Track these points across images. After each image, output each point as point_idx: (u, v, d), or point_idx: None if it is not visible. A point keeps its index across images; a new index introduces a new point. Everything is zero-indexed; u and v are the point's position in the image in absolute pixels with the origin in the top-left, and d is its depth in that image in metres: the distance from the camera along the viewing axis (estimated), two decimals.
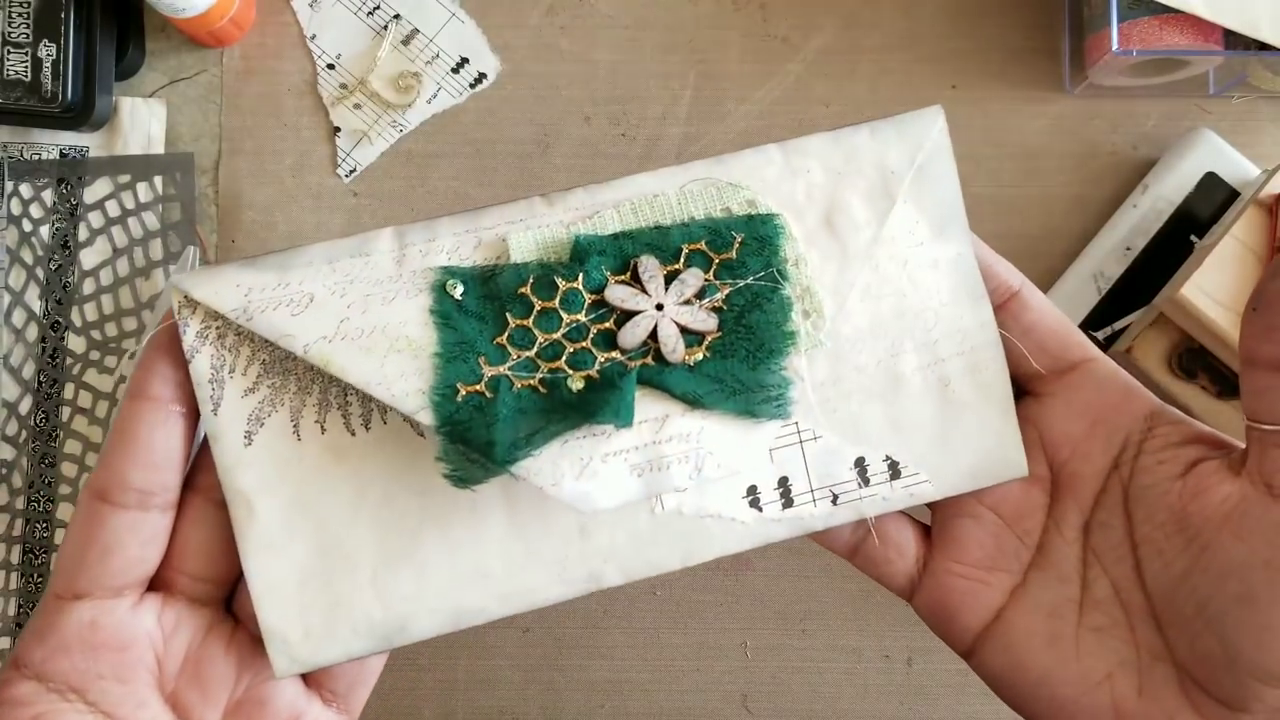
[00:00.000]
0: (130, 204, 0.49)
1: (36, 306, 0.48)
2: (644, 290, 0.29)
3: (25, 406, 0.48)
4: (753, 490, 0.30)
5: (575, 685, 0.47)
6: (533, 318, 0.28)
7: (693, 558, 0.30)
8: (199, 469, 0.29)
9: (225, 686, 0.29)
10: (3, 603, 0.47)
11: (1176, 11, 0.43)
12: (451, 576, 0.29)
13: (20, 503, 0.48)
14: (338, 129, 0.49)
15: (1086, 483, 0.29)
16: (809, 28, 0.49)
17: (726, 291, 0.29)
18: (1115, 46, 0.43)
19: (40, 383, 0.48)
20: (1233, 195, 0.46)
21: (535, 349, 0.28)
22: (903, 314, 0.30)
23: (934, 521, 0.31)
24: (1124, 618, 0.28)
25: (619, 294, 0.28)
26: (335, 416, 0.29)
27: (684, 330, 0.29)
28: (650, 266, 0.29)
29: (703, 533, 0.30)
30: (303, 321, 0.28)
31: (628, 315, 0.29)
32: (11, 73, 0.46)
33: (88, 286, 0.49)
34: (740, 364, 0.29)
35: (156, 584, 0.28)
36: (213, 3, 0.46)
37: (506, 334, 0.28)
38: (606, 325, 0.29)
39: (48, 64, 0.46)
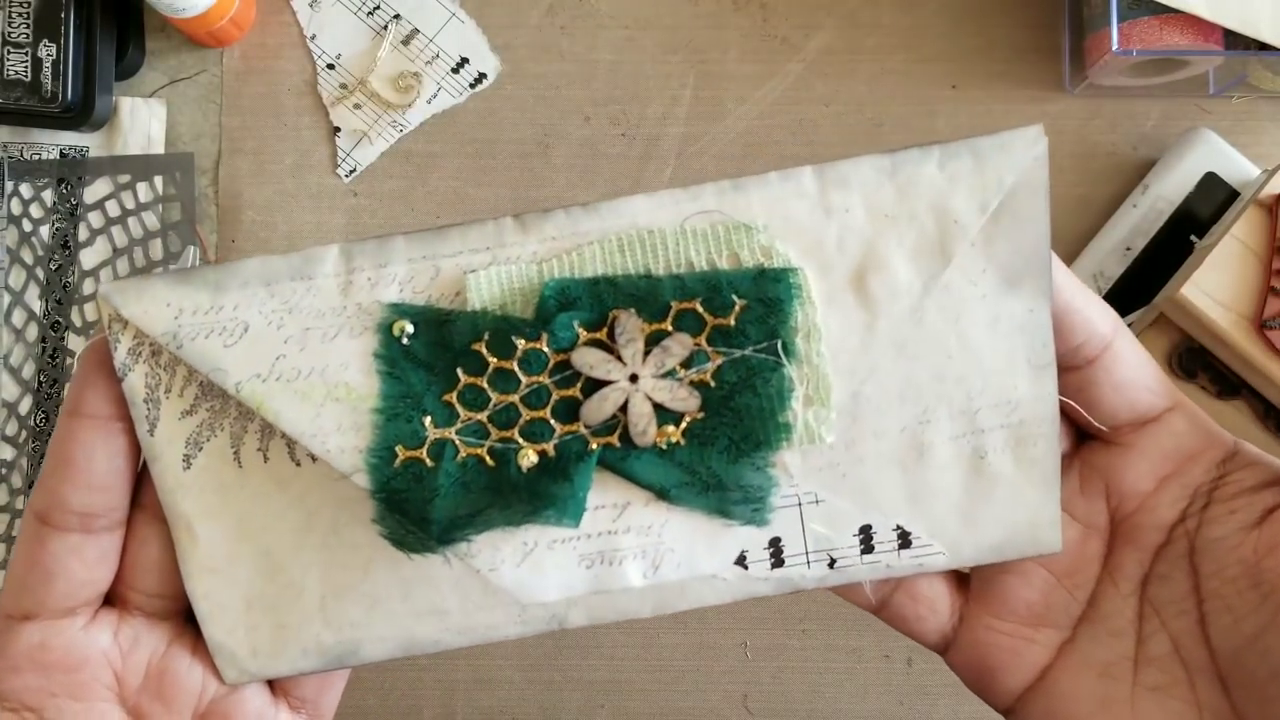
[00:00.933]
0: (130, 204, 0.49)
1: (36, 306, 0.48)
2: (619, 356, 0.25)
3: (25, 406, 0.48)
4: (741, 552, 0.27)
5: (575, 685, 0.47)
6: (487, 375, 0.25)
7: (665, 608, 0.27)
8: (145, 485, 0.27)
9: (190, 698, 0.27)
10: None
11: (1176, 11, 0.43)
12: (404, 612, 0.27)
13: (20, 503, 0.48)
14: (338, 129, 0.49)
15: (1149, 534, 0.27)
16: (809, 28, 0.49)
17: (717, 363, 0.25)
18: (1115, 46, 0.43)
19: (40, 383, 0.48)
20: (1233, 195, 0.46)
21: (487, 411, 0.25)
22: (943, 378, 0.26)
23: (973, 574, 0.28)
24: (1185, 676, 0.26)
25: (589, 359, 0.25)
26: (279, 444, 0.26)
27: (659, 408, 0.25)
28: (630, 327, 0.25)
29: (678, 589, 0.26)
30: (235, 354, 0.25)
31: (597, 385, 0.25)
32: (11, 73, 0.46)
33: (88, 286, 0.48)
34: (719, 455, 0.25)
35: (112, 600, 0.27)
36: (213, 3, 0.46)
37: (456, 391, 0.25)
38: (571, 391, 0.25)
39: (48, 64, 0.46)
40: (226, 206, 0.49)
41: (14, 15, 0.46)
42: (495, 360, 0.25)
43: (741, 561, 0.26)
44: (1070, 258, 0.47)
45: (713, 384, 0.25)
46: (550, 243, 0.25)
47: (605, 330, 0.25)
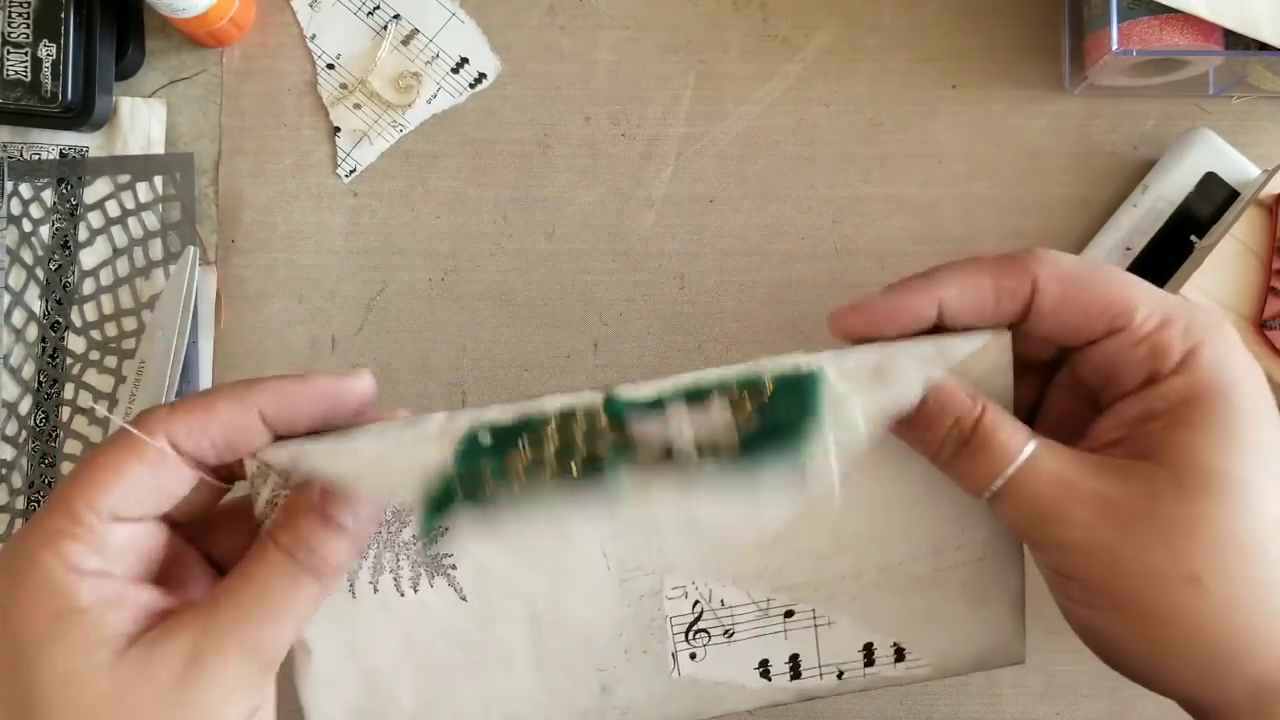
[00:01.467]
0: (130, 204, 0.49)
1: (36, 306, 0.48)
2: (667, 425, 0.30)
3: (25, 406, 0.48)
4: (764, 664, 0.32)
5: None
6: (551, 449, 0.30)
7: (701, 714, 0.32)
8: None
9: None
10: None
11: (1176, 11, 0.43)
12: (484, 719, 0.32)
13: (20, 503, 0.48)
14: (338, 129, 0.49)
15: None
16: (809, 28, 0.49)
17: (755, 426, 0.30)
18: (1115, 46, 0.43)
19: (40, 383, 0.48)
20: (1233, 195, 0.46)
21: (546, 445, 0.30)
22: (926, 522, 0.32)
23: None
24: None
25: (643, 430, 0.30)
26: (387, 579, 0.30)
27: (699, 447, 0.30)
28: (678, 410, 0.30)
29: (713, 696, 0.32)
30: (339, 462, 0.29)
31: (642, 442, 0.30)
32: (11, 73, 0.46)
33: (88, 286, 0.48)
34: (763, 453, 0.30)
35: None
36: (213, 3, 0.46)
37: (521, 445, 0.30)
38: (621, 436, 0.30)
39: (48, 64, 0.46)
40: (226, 206, 0.49)
41: (14, 15, 0.46)
42: (559, 438, 0.30)
43: (765, 672, 0.32)
44: None
45: (743, 434, 0.30)
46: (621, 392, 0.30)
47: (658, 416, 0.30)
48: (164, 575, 0.29)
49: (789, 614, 0.32)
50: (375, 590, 0.31)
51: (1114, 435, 0.29)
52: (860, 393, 0.30)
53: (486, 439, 0.30)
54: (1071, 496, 0.28)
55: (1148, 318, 0.29)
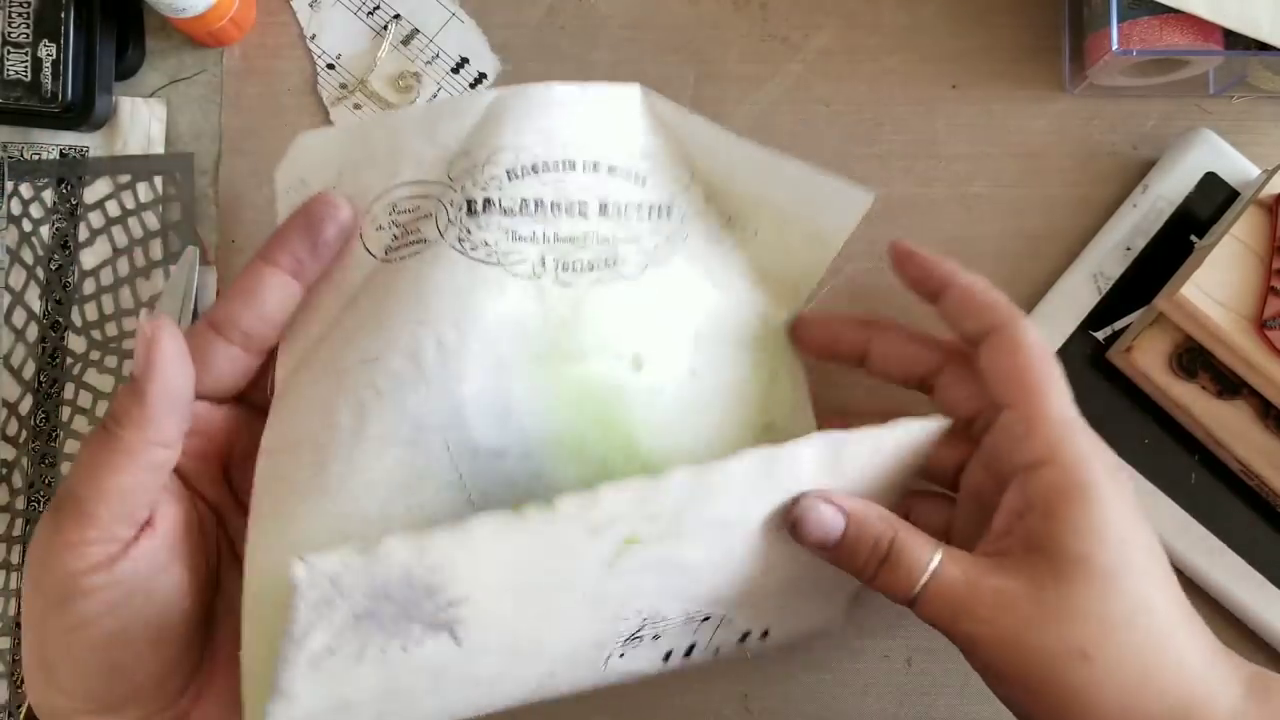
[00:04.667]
0: (130, 204, 0.49)
1: (36, 306, 0.48)
2: None
3: (25, 406, 0.48)
4: (669, 654, 0.37)
5: None
6: None
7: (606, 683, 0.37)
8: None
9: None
10: (3, 602, 0.47)
11: (1176, 11, 0.43)
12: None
13: (20, 503, 0.48)
14: None
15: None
16: (809, 28, 0.49)
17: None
18: (1115, 46, 0.43)
19: (40, 383, 0.48)
20: (1233, 195, 0.46)
21: None
22: (820, 572, 0.36)
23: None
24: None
25: None
26: (396, 645, 0.30)
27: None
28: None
29: (620, 679, 0.37)
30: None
31: None
32: (11, 73, 0.46)
33: (88, 286, 0.49)
34: None
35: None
36: (213, 3, 0.46)
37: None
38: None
39: (48, 64, 0.46)
40: (226, 206, 0.49)
41: (14, 15, 0.46)
42: None
43: (667, 657, 0.37)
44: (1070, 258, 0.47)
45: None
46: None
47: None
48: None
49: (705, 619, 0.36)
50: (383, 654, 0.30)
51: (1004, 526, 0.34)
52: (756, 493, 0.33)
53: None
54: (974, 596, 0.32)
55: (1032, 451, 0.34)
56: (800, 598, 0.38)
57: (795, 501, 0.34)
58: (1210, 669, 0.32)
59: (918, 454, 0.36)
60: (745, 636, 0.38)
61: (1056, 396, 0.35)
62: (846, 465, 0.34)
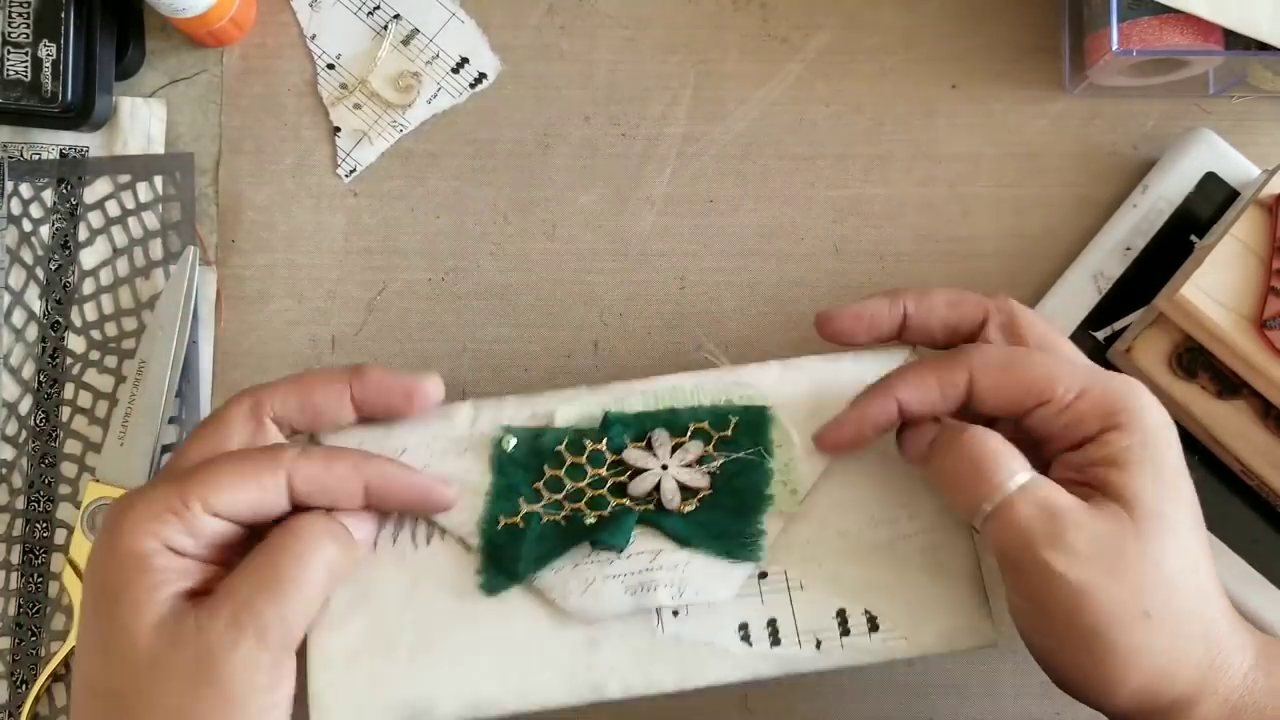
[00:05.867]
0: (130, 204, 0.49)
1: (36, 306, 0.48)
2: (654, 454, 0.36)
3: (25, 406, 0.48)
4: (744, 627, 0.35)
5: None
6: (564, 469, 0.36)
7: (687, 681, 0.35)
8: None
9: None
10: (3, 602, 0.47)
11: (1176, 11, 0.43)
12: (474, 666, 0.35)
13: (20, 503, 0.48)
14: (338, 129, 0.49)
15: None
16: (809, 28, 0.49)
17: (720, 460, 0.36)
18: (1115, 46, 0.43)
19: (40, 383, 0.48)
20: (1233, 195, 0.46)
21: (563, 493, 0.36)
22: (877, 491, 0.36)
23: None
24: None
25: (634, 455, 0.36)
26: (405, 534, 0.36)
27: (682, 487, 0.35)
28: (661, 438, 0.36)
29: (696, 658, 0.35)
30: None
31: (639, 471, 0.36)
32: (11, 73, 0.46)
33: (88, 286, 0.48)
34: (724, 515, 0.35)
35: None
36: (213, 3, 0.46)
37: (543, 480, 0.36)
38: (621, 479, 0.36)
39: (48, 64, 0.46)
40: (226, 206, 0.49)
41: (14, 15, 0.46)
42: (571, 457, 0.36)
43: (745, 636, 0.35)
44: (1070, 258, 0.47)
45: (718, 473, 0.36)
46: (610, 395, 0.37)
47: (645, 442, 0.36)
48: (234, 559, 0.33)
49: (763, 575, 0.36)
50: (394, 542, 0.36)
51: (1068, 476, 0.33)
52: (799, 423, 0.36)
53: (510, 444, 0.36)
54: (1072, 527, 0.31)
55: (1065, 391, 0.33)
56: (889, 568, 0.35)
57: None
58: (1233, 634, 0.33)
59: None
60: (845, 621, 0.35)
61: (1068, 371, 0.34)
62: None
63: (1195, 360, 0.43)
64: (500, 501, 0.35)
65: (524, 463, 0.36)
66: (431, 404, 0.36)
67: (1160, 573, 0.31)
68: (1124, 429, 0.33)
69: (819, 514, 0.36)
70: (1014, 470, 0.32)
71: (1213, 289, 0.41)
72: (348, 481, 0.33)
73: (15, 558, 0.47)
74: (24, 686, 0.46)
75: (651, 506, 0.35)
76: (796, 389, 0.36)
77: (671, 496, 0.35)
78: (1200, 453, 0.45)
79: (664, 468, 0.36)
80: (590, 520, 0.35)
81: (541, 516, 0.35)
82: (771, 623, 0.35)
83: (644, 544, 0.35)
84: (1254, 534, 0.44)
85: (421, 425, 0.36)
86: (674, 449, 0.36)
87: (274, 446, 0.34)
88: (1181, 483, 0.33)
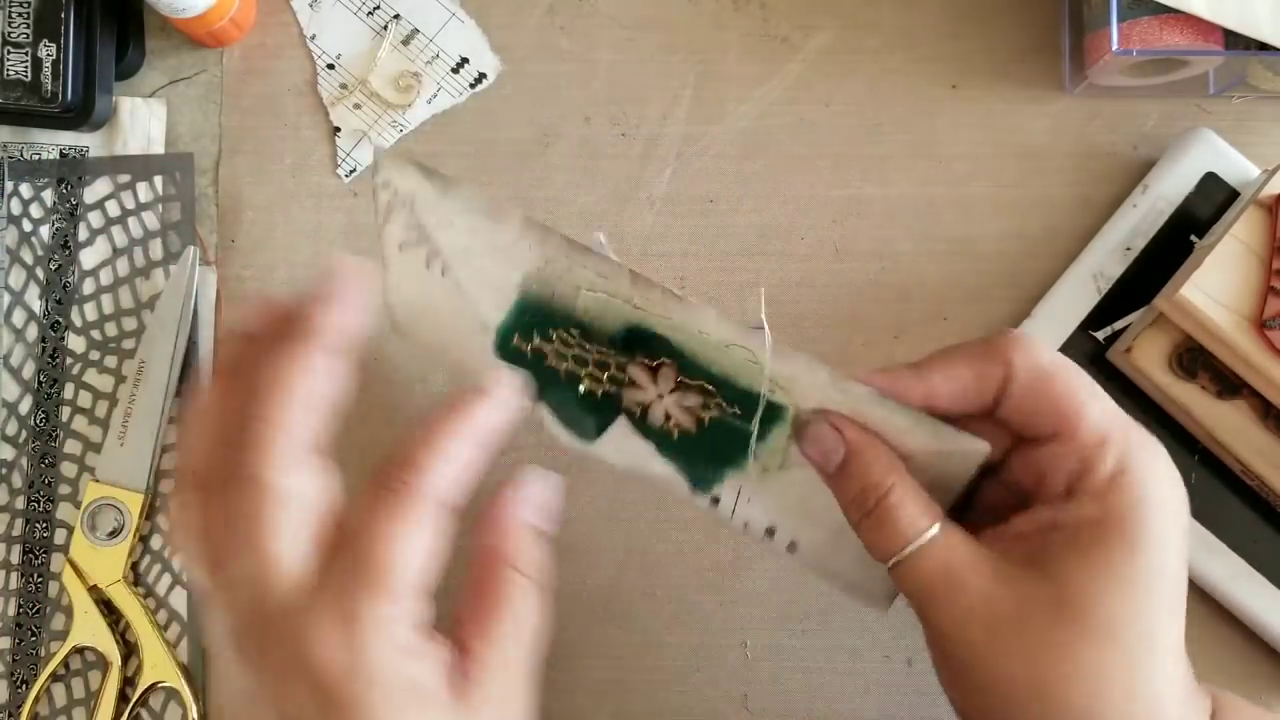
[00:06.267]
0: (130, 204, 0.49)
1: (36, 306, 0.48)
2: (656, 383, 0.36)
3: (25, 406, 0.48)
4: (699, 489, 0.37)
5: (575, 686, 0.47)
6: (583, 329, 0.36)
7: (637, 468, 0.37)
8: None
9: None
10: (3, 603, 0.47)
11: (1176, 11, 0.43)
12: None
13: (20, 503, 0.48)
14: (338, 129, 0.49)
15: None
16: (809, 28, 0.49)
17: (711, 415, 0.36)
18: (1115, 46, 0.43)
19: (40, 383, 0.48)
20: (1233, 195, 0.46)
21: (573, 350, 0.36)
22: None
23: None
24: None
25: (640, 374, 0.36)
26: (437, 264, 0.37)
27: (667, 417, 0.36)
28: (669, 374, 0.36)
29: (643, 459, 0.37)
30: (440, 234, 0.36)
31: (635, 385, 0.36)
32: (11, 73, 0.46)
33: (88, 286, 0.48)
34: (696, 448, 0.36)
35: None
36: (213, 3, 0.46)
37: (565, 328, 0.36)
38: (623, 376, 0.36)
39: (48, 64, 0.46)
40: (226, 206, 0.49)
41: (14, 15, 0.46)
42: (594, 325, 0.36)
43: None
44: (1070, 258, 0.47)
45: (705, 422, 0.36)
46: (644, 298, 0.35)
47: (654, 366, 0.36)
48: None
49: (715, 501, 0.37)
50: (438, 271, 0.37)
51: (1022, 530, 0.31)
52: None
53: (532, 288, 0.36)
54: (958, 589, 0.30)
55: (1090, 430, 0.30)
56: (843, 539, 0.35)
57: (813, 413, 0.32)
58: None
59: (957, 473, 0.34)
60: (771, 533, 0.37)
61: (1099, 411, 0.31)
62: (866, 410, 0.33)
63: (1195, 360, 0.43)
64: (520, 318, 0.36)
65: (547, 311, 0.36)
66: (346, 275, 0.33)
67: (1073, 665, 0.28)
68: (1103, 499, 0.30)
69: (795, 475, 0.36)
70: (920, 527, 0.31)
71: (1213, 289, 0.41)
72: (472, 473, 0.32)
73: (15, 558, 0.47)
74: (24, 686, 0.46)
75: (638, 415, 0.37)
76: (828, 404, 0.34)
77: (655, 421, 0.36)
78: (1200, 453, 0.45)
79: (660, 396, 0.36)
80: (585, 387, 0.36)
81: (546, 356, 0.36)
82: (716, 500, 0.37)
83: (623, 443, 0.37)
84: (1254, 534, 0.44)
85: (470, 213, 0.35)
86: (675, 386, 0.36)
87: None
88: (1155, 586, 0.29)
